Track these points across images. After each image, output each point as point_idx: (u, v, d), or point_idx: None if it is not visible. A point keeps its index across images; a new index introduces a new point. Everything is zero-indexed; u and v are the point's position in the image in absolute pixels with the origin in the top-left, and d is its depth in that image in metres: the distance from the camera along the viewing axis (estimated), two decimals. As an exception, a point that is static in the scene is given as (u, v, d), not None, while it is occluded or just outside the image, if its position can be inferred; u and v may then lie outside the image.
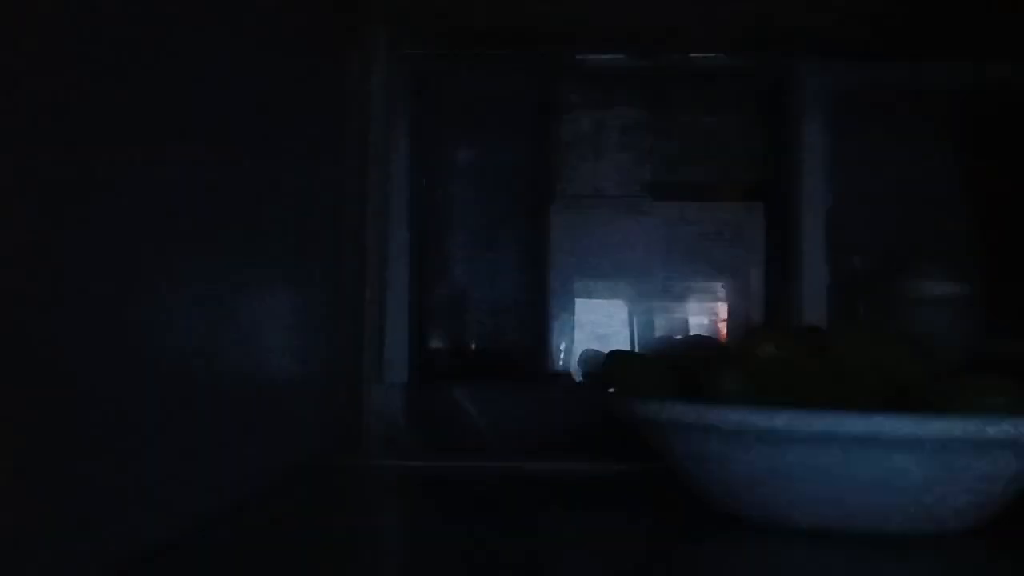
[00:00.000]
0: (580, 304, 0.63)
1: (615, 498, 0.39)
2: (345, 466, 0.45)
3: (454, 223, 0.63)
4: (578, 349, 0.63)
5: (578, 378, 0.61)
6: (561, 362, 0.63)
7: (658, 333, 0.62)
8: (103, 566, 0.22)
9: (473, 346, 0.64)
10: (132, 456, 0.24)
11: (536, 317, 0.62)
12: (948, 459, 0.27)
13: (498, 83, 0.64)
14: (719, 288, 0.61)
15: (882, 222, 0.61)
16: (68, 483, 0.21)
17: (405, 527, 0.35)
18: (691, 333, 0.61)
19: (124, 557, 0.23)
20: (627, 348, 0.60)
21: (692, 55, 0.61)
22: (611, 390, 0.36)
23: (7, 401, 0.18)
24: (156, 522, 0.25)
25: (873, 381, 0.31)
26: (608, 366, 0.37)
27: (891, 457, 0.27)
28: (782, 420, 0.28)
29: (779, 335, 0.35)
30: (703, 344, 0.50)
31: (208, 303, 0.29)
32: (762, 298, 0.61)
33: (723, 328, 0.61)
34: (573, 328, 0.63)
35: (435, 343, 0.63)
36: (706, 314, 0.62)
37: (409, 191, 0.58)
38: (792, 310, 0.59)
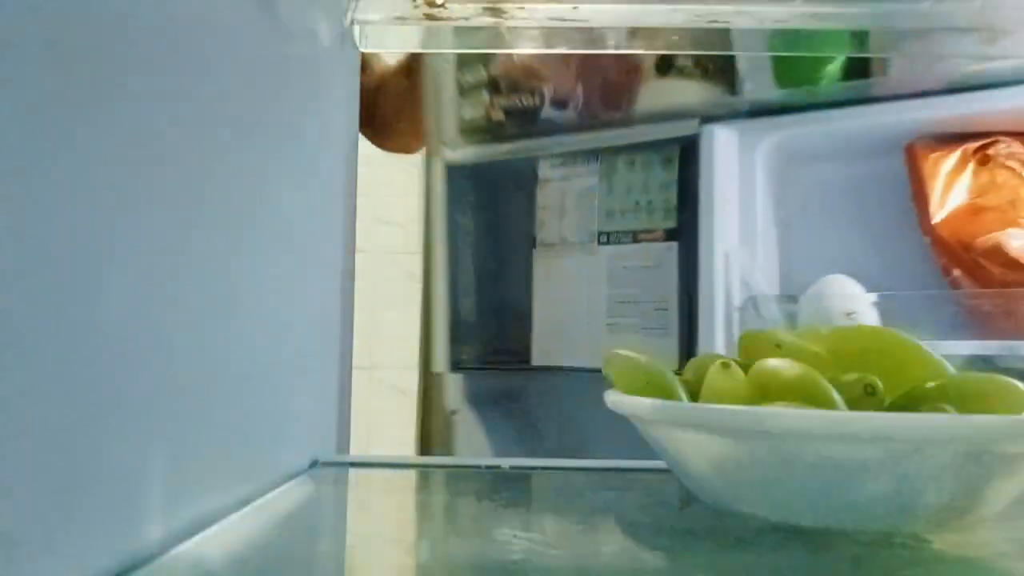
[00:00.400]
0: (554, 319, 0.90)
1: (613, 495, 0.39)
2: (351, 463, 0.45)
3: (473, 261, 0.95)
4: (553, 350, 0.94)
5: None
6: (541, 358, 0.92)
7: (607, 337, 0.88)
8: (108, 563, 0.22)
9: (484, 347, 0.97)
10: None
11: (525, 327, 0.91)
12: (925, 458, 0.27)
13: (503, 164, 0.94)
14: (642, 303, 0.84)
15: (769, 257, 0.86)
16: (72, 477, 0.21)
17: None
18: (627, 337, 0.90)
19: (132, 553, 0.23)
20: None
21: (627, 129, 0.84)
22: (611, 388, 0.37)
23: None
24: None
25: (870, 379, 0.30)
26: (607, 366, 0.37)
27: (873, 456, 0.27)
28: (771, 419, 0.28)
29: (777, 337, 0.35)
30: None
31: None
32: (678, 309, 0.83)
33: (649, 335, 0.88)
34: (549, 336, 0.91)
35: (462, 344, 0.95)
36: (635, 322, 0.86)
37: (446, 244, 0.92)
38: (700, 319, 0.80)
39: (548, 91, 0.89)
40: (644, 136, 0.83)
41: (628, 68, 0.83)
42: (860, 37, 0.53)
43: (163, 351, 0.26)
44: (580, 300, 0.87)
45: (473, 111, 0.91)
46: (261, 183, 0.36)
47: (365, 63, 0.94)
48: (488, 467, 0.44)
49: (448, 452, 1.00)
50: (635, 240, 0.84)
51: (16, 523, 0.18)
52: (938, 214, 0.85)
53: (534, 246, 0.90)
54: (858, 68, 0.78)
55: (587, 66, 0.84)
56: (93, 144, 0.22)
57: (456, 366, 0.94)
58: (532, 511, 0.36)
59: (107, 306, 0.23)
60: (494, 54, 0.87)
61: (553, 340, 0.90)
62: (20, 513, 0.19)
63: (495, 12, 0.51)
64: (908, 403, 0.30)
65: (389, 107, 0.92)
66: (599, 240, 0.85)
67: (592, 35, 0.54)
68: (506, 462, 0.45)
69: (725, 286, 0.80)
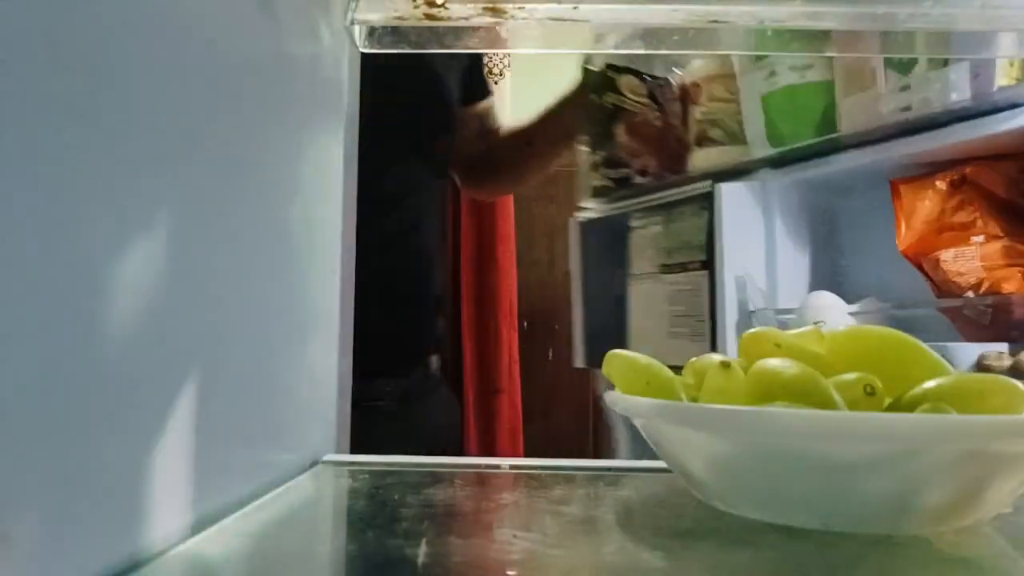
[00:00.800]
0: (641, 328, 1.27)
1: (613, 495, 0.39)
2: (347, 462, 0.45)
3: (595, 287, 1.35)
4: (641, 351, 1.24)
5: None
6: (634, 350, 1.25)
7: (669, 342, 1.22)
8: (108, 563, 0.22)
9: (604, 348, 1.24)
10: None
11: (625, 332, 1.28)
12: (925, 458, 0.27)
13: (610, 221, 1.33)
14: (689, 316, 1.16)
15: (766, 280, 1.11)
16: (73, 477, 0.21)
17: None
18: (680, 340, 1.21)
19: (132, 553, 0.23)
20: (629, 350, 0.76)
21: (676, 189, 1.17)
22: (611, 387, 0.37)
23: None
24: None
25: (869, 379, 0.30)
26: (607, 366, 0.37)
27: (872, 456, 0.27)
28: (771, 419, 0.28)
29: (776, 336, 0.35)
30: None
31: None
32: (709, 321, 1.12)
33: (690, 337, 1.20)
34: (638, 340, 1.26)
35: (592, 347, 1.35)
36: (686, 331, 1.17)
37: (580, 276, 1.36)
38: (717, 329, 1.09)
39: (635, 164, 1.24)
40: (685, 193, 1.15)
41: (680, 142, 1.16)
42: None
43: (163, 352, 0.26)
44: (653, 315, 1.23)
45: (594, 181, 1.32)
46: (260, 183, 0.36)
47: (485, 124, 1.02)
48: (488, 467, 0.44)
49: (603, 429, 1.44)
50: (683, 270, 1.16)
51: (16, 523, 0.18)
52: (909, 236, 1.00)
53: (629, 276, 1.27)
54: (830, 124, 1.02)
55: (657, 143, 1.19)
56: (94, 144, 0.22)
57: (589, 363, 1.36)
58: (532, 511, 0.36)
59: (108, 308, 0.23)
60: (609, 136, 1.22)
61: (641, 344, 1.27)
62: (20, 513, 0.19)
63: (495, 12, 0.51)
64: (908, 403, 0.30)
65: (503, 167, 1.10)
66: (662, 271, 1.20)
67: (593, 35, 0.54)
68: (506, 462, 0.45)
69: (737, 303, 1.08)
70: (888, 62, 0.95)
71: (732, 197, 1.07)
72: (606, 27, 0.53)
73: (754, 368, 0.32)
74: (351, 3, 0.51)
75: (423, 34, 0.54)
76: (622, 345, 1.41)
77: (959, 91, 0.85)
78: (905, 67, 0.92)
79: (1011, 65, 0.83)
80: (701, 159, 1.15)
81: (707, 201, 1.10)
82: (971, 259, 0.94)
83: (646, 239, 1.25)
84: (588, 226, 1.35)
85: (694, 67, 1.18)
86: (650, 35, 0.54)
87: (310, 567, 0.27)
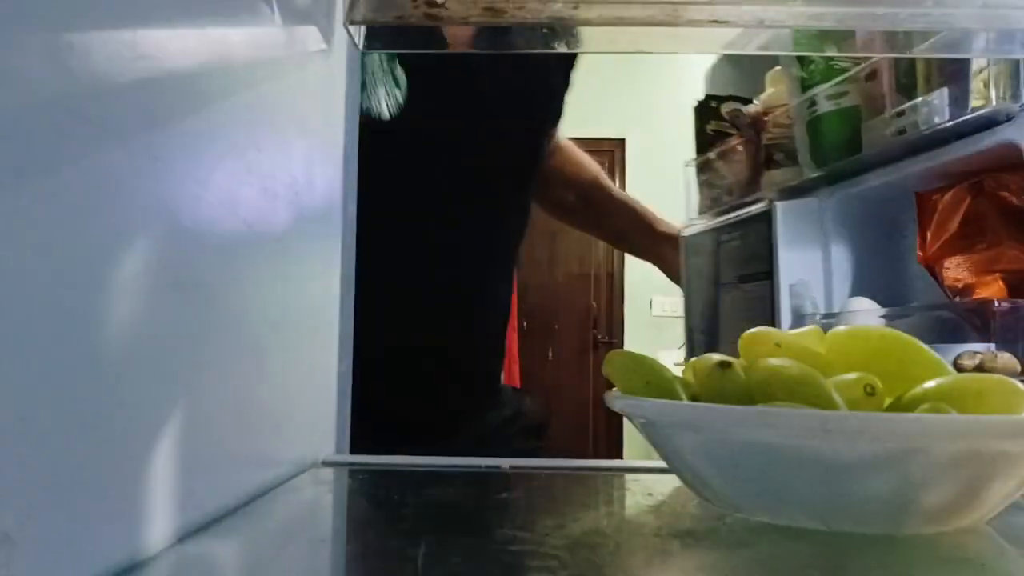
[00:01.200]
0: (727, 332, 1.42)
1: (613, 495, 0.39)
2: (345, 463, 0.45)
3: (695, 295, 1.51)
4: (728, 352, 1.41)
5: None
6: (721, 350, 1.29)
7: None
8: (108, 562, 0.22)
9: (701, 350, 1.43)
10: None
11: (716, 334, 1.46)
12: (925, 458, 0.27)
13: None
14: (758, 321, 1.15)
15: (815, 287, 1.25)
16: (73, 477, 0.21)
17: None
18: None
19: (132, 553, 0.23)
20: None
21: (748, 208, 1.33)
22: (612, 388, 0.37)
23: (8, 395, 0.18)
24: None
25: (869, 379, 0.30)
26: (608, 365, 0.37)
27: (872, 456, 0.27)
28: (771, 419, 0.28)
29: (776, 336, 0.35)
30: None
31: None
32: (769, 326, 1.24)
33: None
34: (727, 342, 1.37)
35: (695, 352, 1.46)
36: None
37: (687, 293, 1.51)
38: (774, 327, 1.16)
39: (724, 184, 1.41)
40: (753, 211, 1.33)
41: (755, 164, 1.33)
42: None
43: (164, 353, 0.26)
44: (735, 320, 1.39)
45: (699, 200, 1.53)
46: (259, 184, 0.36)
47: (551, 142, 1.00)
48: (488, 467, 0.44)
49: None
50: (753, 280, 1.33)
51: (16, 523, 0.18)
52: (929, 245, 1.06)
53: (720, 285, 1.47)
54: (858, 146, 1.14)
55: (739, 165, 1.37)
56: (92, 143, 0.22)
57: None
58: (532, 511, 0.36)
59: (108, 308, 0.23)
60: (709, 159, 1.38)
61: (726, 347, 1.43)
62: (20, 513, 0.19)
63: (495, 12, 0.51)
64: (908, 403, 0.30)
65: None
66: (740, 280, 1.38)
67: (594, 35, 0.54)
68: (506, 462, 0.45)
69: (792, 309, 1.24)
70: (898, 86, 1.02)
71: (786, 214, 1.27)
72: (607, 27, 0.53)
73: (754, 368, 0.32)
74: (351, 3, 0.51)
75: (423, 34, 0.54)
76: (709, 346, 1.49)
77: (940, 115, 0.96)
78: (910, 91, 1.00)
79: (984, 87, 0.89)
80: (769, 179, 1.34)
81: (767, 218, 1.29)
82: (968, 266, 1.00)
83: (730, 252, 1.46)
84: (692, 240, 1.56)
85: (767, 95, 1.32)
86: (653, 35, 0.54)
87: (310, 567, 0.27)
